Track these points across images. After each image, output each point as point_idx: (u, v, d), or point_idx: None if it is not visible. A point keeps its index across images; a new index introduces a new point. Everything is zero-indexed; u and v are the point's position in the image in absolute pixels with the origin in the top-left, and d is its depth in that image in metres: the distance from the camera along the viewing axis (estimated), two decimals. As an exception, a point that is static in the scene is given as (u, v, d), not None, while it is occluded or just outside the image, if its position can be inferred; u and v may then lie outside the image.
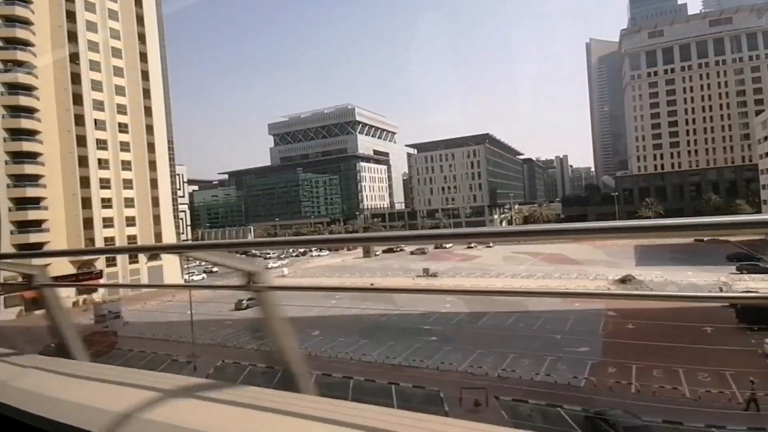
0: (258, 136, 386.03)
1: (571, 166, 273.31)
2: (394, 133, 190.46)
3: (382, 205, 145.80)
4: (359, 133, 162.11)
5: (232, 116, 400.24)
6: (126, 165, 59.04)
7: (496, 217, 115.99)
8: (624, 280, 41.65)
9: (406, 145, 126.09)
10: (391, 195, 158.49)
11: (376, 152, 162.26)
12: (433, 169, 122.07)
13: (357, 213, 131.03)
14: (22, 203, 48.77)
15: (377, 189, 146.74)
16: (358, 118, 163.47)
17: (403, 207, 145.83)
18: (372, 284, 49.01)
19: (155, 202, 61.65)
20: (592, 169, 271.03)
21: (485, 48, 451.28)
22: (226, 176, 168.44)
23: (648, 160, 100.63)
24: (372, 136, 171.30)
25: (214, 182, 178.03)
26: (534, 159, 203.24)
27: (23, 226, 48.66)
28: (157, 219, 61.59)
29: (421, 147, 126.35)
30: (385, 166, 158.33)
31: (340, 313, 36.50)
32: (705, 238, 55.69)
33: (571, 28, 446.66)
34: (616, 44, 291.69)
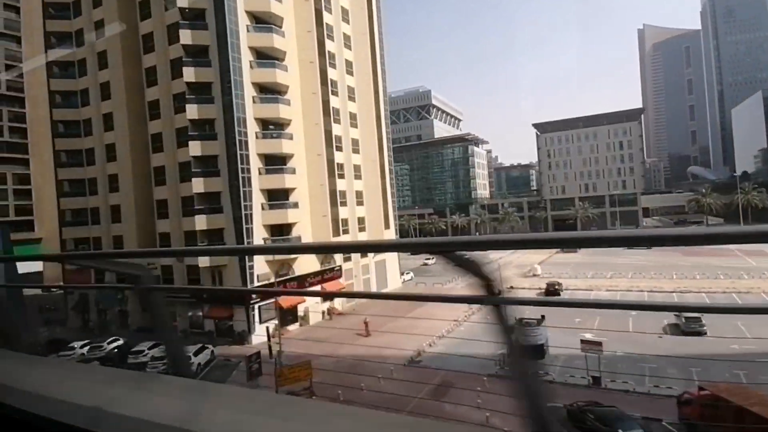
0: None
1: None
2: (459, 120, 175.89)
3: (483, 195, 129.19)
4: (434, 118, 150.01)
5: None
6: (353, 119, 41.92)
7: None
8: None
9: (533, 125, 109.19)
10: (491, 185, 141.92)
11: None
12: (568, 151, 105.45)
13: (468, 204, 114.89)
14: (272, 163, 31.48)
15: (481, 177, 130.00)
16: (433, 102, 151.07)
17: (489, 196, 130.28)
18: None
19: (382, 172, 44.52)
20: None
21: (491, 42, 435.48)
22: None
23: None
24: (443, 122, 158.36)
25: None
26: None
27: (274, 198, 31.44)
28: (384, 195, 44.45)
29: (543, 127, 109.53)
30: (484, 152, 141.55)
31: None
32: None
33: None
34: (673, 30, 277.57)
